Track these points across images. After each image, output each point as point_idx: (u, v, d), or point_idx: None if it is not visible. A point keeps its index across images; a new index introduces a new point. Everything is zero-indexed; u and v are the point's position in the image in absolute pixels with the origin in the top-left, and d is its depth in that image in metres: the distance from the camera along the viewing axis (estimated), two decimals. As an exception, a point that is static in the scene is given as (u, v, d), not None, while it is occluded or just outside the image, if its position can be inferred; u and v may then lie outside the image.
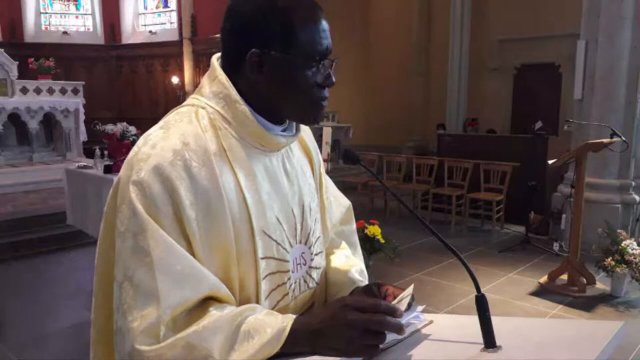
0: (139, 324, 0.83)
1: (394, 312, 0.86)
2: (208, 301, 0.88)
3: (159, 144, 0.90)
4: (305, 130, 1.19)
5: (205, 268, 0.88)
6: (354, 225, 1.35)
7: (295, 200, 1.06)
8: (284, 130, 1.04)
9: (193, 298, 0.85)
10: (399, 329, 0.84)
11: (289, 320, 0.86)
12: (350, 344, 0.83)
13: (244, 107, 0.96)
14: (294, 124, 1.07)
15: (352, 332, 0.83)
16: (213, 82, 1.00)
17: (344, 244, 1.27)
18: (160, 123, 0.98)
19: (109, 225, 0.94)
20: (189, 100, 1.02)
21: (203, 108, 0.98)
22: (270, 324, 0.85)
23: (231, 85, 0.97)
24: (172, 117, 0.98)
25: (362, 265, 1.24)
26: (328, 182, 1.28)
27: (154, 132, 0.95)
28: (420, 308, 1.02)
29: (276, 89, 0.96)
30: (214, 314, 0.86)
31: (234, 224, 0.93)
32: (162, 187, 0.87)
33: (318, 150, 1.23)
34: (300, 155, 1.15)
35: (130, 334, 0.83)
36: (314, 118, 1.01)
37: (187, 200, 0.87)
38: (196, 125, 0.94)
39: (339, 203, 1.31)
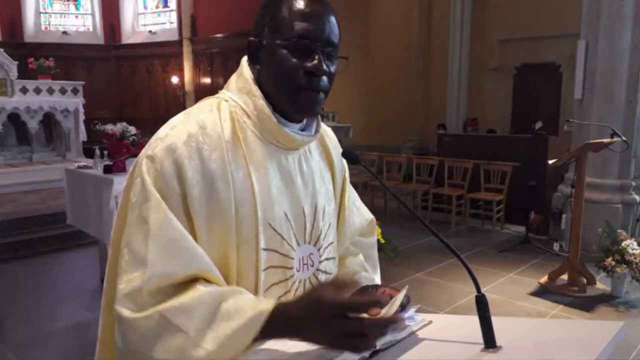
0: (124, 286, 0.86)
1: (377, 303, 0.82)
2: (197, 279, 0.89)
3: (178, 126, 0.97)
4: (329, 136, 1.20)
5: (201, 249, 0.89)
6: (375, 240, 1.34)
7: (307, 201, 1.07)
8: (303, 130, 1.05)
9: (181, 272, 0.86)
10: (385, 326, 0.82)
11: (269, 305, 0.84)
12: (332, 343, 0.82)
13: (262, 102, 1.00)
14: (314, 124, 1.08)
15: (330, 336, 0.81)
16: (239, 79, 1.04)
17: (360, 255, 1.27)
18: (185, 110, 1.03)
19: (126, 198, 0.98)
20: (217, 94, 1.07)
21: (226, 101, 1.03)
22: (251, 306, 0.85)
23: (253, 81, 1.01)
24: (196, 106, 1.04)
25: (376, 278, 1.24)
26: (352, 193, 1.28)
27: (177, 116, 1.01)
28: (413, 309, 1.02)
29: (270, 76, 0.99)
30: (198, 290, 0.86)
31: (237, 211, 0.94)
32: (172, 164, 0.91)
33: (342, 159, 1.21)
34: (320, 160, 1.15)
35: (117, 296, 0.86)
36: (306, 107, 1.00)
37: (193, 180, 0.91)
38: (216, 114, 0.99)
39: (361, 215, 1.30)
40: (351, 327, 0.80)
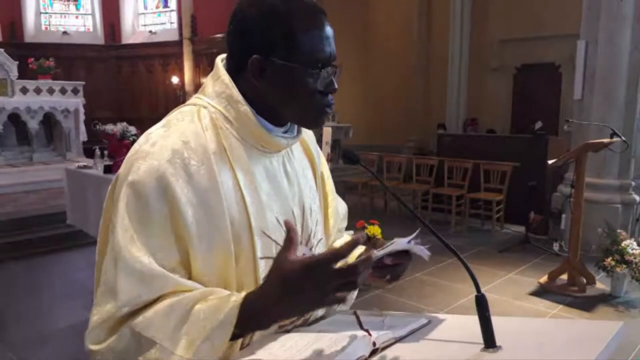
0: (97, 318, 0.84)
1: (355, 242, 0.80)
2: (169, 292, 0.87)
3: (159, 143, 0.91)
4: (307, 133, 1.19)
5: (167, 271, 0.86)
6: (344, 226, 1.37)
7: (295, 202, 1.06)
8: (285, 132, 1.04)
9: (152, 297, 0.84)
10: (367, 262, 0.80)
11: (238, 298, 0.83)
12: (322, 300, 0.80)
13: (245, 108, 0.96)
14: (296, 125, 1.07)
15: (321, 292, 0.79)
16: (216, 82, 1.00)
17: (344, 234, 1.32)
18: (163, 121, 0.98)
19: (107, 221, 0.94)
20: (191, 100, 1.03)
21: (205, 107, 0.98)
22: (223, 301, 0.82)
23: (234, 85, 0.97)
24: (174, 116, 0.98)
25: None
26: (331, 182, 1.28)
27: (155, 130, 0.95)
28: (423, 247, 1.00)
29: (278, 95, 0.96)
30: (167, 299, 0.84)
31: (232, 223, 0.92)
32: (157, 185, 0.87)
33: (320, 153, 1.23)
34: (302, 157, 1.15)
35: (88, 329, 0.85)
36: (316, 123, 1.01)
37: (183, 198, 0.87)
38: (197, 124, 0.95)
39: (340, 203, 1.33)
40: (344, 275, 0.78)
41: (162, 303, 0.84)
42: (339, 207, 1.28)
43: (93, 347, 0.83)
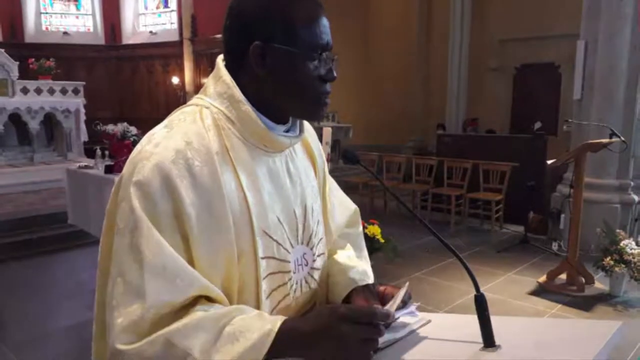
0: (123, 320, 0.83)
1: (387, 317, 0.84)
2: (198, 299, 0.87)
3: (162, 143, 0.91)
4: (310, 132, 1.19)
5: (196, 271, 0.87)
6: (360, 229, 1.35)
7: (297, 202, 1.06)
8: (287, 131, 1.04)
9: (180, 298, 0.84)
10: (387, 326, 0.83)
11: (275, 323, 0.83)
12: (343, 355, 0.81)
13: (247, 107, 0.97)
14: (298, 124, 1.07)
15: (346, 344, 0.80)
16: (217, 82, 1.00)
17: (348, 246, 1.27)
18: (165, 122, 0.98)
19: (110, 222, 0.94)
20: (193, 100, 1.03)
21: (207, 108, 0.98)
22: (257, 326, 0.83)
23: (235, 85, 0.98)
24: (176, 117, 0.98)
25: (367, 267, 1.23)
26: (333, 185, 1.28)
27: (158, 131, 0.96)
28: (414, 306, 1.03)
29: (279, 83, 0.97)
30: (199, 312, 0.84)
31: (234, 223, 0.92)
32: (162, 185, 0.87)
33: (322, 153, 1.23)
34: (304, 157, 1.15)
35: (113, 330, 0.83)
36: (317, 113, 1.01)
37: (187, 199, 0.87)
38: (199, 124, 0.95)
39: (345, 206, 1.31)
40: (369, 332, 0.81)
41: (196, 314, 0.84)
42: (337, 213, 1.27)
43: (121, 347, 0.82)
